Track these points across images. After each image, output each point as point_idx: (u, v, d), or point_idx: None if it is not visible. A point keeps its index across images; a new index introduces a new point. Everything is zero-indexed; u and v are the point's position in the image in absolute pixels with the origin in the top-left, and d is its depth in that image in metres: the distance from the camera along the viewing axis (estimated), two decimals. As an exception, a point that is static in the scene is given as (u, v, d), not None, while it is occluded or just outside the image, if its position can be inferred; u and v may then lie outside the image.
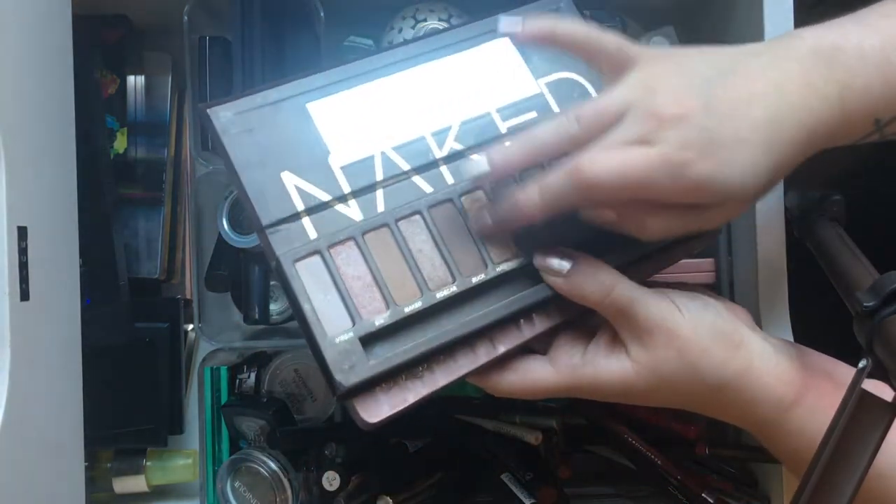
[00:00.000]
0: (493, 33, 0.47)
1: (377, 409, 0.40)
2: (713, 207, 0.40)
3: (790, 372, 0.42)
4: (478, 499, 0.65)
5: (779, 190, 0.56)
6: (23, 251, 0.47)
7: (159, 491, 0.69)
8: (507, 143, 0.42)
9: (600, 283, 0.42)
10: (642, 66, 0.41)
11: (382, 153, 0.44)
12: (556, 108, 0.47)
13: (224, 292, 0.71)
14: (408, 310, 0.41)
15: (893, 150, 0.60)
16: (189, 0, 0.62)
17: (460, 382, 0.42)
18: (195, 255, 0.68)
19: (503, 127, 0.46)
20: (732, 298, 0.61)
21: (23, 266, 0.47)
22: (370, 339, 0.41)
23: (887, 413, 0.33)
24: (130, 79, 0.69)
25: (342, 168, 0.43)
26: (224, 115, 0.42)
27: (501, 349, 0.42)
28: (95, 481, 0.67)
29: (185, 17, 0.62)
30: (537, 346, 0.44)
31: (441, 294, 0.42)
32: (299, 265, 0.41)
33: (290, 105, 0.43)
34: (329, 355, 0.40)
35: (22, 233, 0.47)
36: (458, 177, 0.44)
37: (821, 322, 0.55)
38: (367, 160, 0.44)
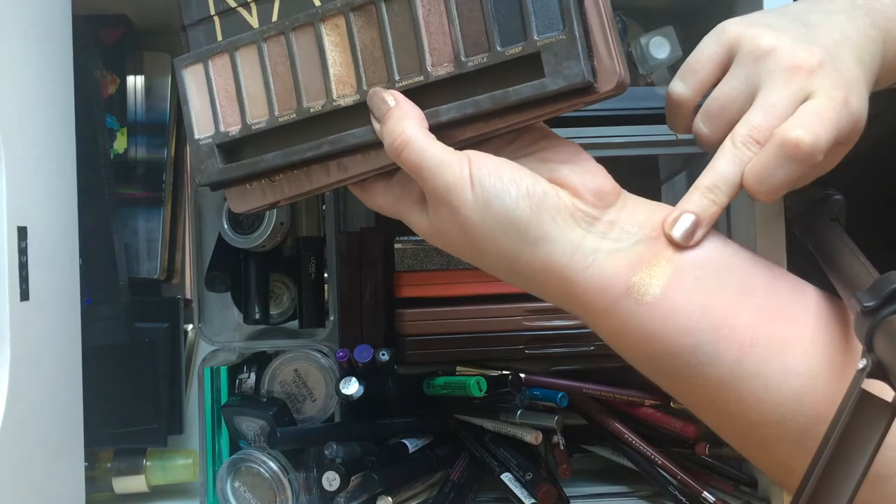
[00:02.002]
0: None
1: (243, 203, 0.47)
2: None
3: (607, 274, 0.39)
4: (478, 499, 0.65)
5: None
6: (23, 251, 0.47)
7: (159, 491, 0.69)
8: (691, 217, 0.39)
9: (395, 136, 0.40)
10: (741, 39, 0.41)
11: None
12: None
13: (224, 292, 0.71)
14: (254, 127, 0.46)
15: (894, 149, 0.60)
16: (189, 0, 0.62)
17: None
18: (195, 255, 0.68)
19: None
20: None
21: (23, 266, 0.47)
22: (228, 147, 0.47)
23: (887, 413, 0.32)
24: (130, 79, 0.69)
25: None
26: None
27: (351, 172, 0.44)
28: (95, 481, 0.67)
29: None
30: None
31: (283, 118, 0.45)
32: (186, 71, 0.47)
33: None
34: (192, 153, 0.47)
35: (22, 233, 0.47)
36: None
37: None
38: None
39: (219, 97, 0.47)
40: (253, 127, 0.46)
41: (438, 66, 0.42)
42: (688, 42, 0.65)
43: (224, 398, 0.67)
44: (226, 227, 0.67)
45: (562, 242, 0.39)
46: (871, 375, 0.33)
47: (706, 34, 0.44)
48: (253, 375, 0.69)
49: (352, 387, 0.62)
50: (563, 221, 0.39)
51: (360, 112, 0.44)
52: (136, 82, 0.69)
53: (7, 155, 0.46)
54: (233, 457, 0.64)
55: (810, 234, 0.48)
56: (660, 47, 0.64)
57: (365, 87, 0.44)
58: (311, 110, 0.45)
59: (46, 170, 0.52)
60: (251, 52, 0.46)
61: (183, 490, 0.70)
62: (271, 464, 0.63)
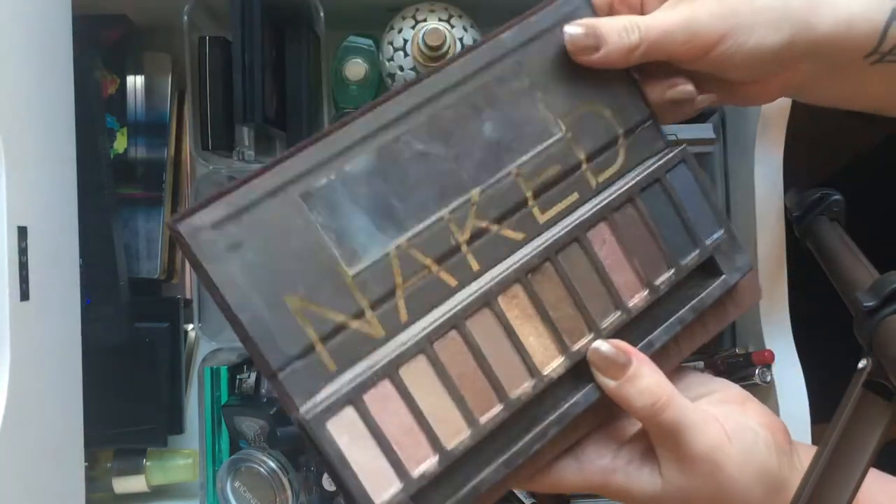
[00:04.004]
0: (503, 60, 0.40)
1: None
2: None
3: None
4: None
5: (779, 189, 0.56)
6: (23, 251, 0.47)
7: (159, 491, 0.69)
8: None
9: (653, 399, 0.38)
10: None
11: (397, 247, 0.37)
12: (580, 156, 0.41)
13: (224, 292, 0.71)
14: (457, 449, 0.36)
15: (893, 149, 0.60)
16: (189, 0, 0.62)
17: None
18: (195, 255, 0.68)
19: (526, 188, 0.40)
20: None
21: (23, 266, 0.47)
22: (422, 493, 0.36)
23: (887, 413, 0.33)
24: (130, 79, 0.69)
25: (354, 276, 0.36)
26: (202, 233, 0.33)
27: (557, 447, 0.40)
28: (95, 481, 0.67)
29: (185, 17, 0.62)
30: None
31: (485, 419, 0.37)
32: (331, 424, 0.34)
33: (281, 201, 0.35)
34: None
35: (22, 233, 0.47)
36: (484, 263, 0.39)
37: (821, 322, 0.55)
38: (381, 260, 0.36)
39: (393, 438, 0.35)
40: (457, 451, 0.36)
41: (633, 298, 0.41)
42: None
43: (224, 398, 0.67)
44: (226, 227, 0.67)
45: (790, 485, 0.39)
46: (871, 375, 0.34)
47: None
48: (253, 375, 0.69)
49: (352, 387, 0.62)
50: (786, 463, 0.39)
51: (572, 376, 0.39)
52: (136, 82, 0.69)
53: (7, 155, 0.46)
54: (233, 457, 0.64)
55: (810, 235, 0.48)
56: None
57: (573, 349, 0.39)
58: (522, 398, 0.38)
59: (46, 170, 0.52)
60: (419, 364, 0.36)
61: (183, 490, 0.70)
62: (271, 464, 0.63)
